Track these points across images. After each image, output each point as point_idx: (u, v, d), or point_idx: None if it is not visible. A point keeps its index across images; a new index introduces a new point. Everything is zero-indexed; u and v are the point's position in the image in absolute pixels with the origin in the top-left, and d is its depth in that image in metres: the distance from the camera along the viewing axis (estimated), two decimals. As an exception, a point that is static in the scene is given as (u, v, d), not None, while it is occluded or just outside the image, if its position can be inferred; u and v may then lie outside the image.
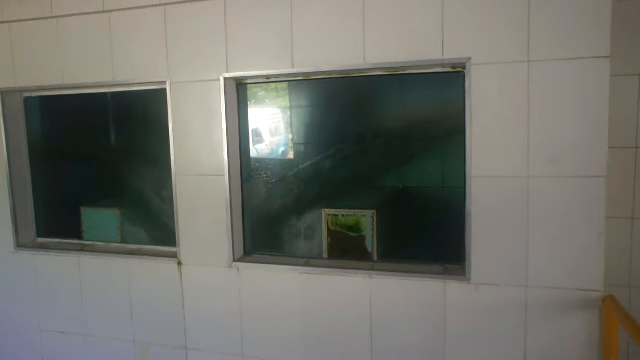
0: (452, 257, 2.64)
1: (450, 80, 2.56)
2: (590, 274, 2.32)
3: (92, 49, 3.02)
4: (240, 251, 2.97)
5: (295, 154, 2.96)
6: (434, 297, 2.56)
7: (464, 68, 2.44)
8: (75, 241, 3.41)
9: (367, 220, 2.79)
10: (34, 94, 3.35)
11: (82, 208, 3.39)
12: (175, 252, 3.02)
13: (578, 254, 2.32)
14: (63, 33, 3.07)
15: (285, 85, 2.90)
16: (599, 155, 2.24)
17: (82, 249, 3.31)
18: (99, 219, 3.37)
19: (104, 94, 3.19)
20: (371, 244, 2.80)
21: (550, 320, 2.40)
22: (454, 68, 2.50)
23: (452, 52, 2.39)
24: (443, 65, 2.48)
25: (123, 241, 3.32)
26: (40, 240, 3.51)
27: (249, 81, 2.90)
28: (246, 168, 2.99)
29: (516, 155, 2.35)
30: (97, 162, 3.36)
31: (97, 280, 3.22)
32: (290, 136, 2.95)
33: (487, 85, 2.35)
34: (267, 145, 3.02)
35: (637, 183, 2.40)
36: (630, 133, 2.38)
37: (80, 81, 3.07)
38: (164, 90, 2.92)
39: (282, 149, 2.98)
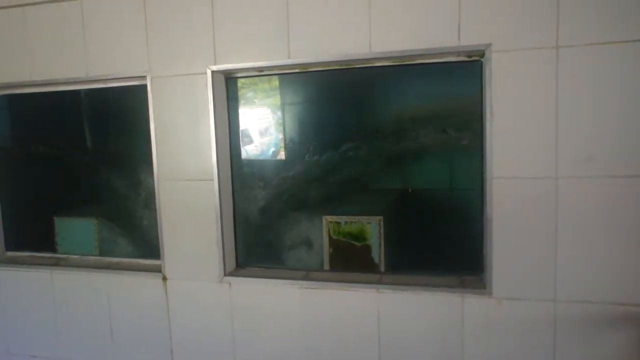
0: (469, 267, 2.38)
1: (465, 71, 2.30)
2: (630, 286, 2.06)
3: (62, 41, 2.72)
4: (231, 264, 2.68)
5: (292, 155, 2.67)
6: (450, 314, 2.29)
7: (482, 56, 2.18)
8: (48, 254, 3.11)
9: (373, 227, 2.52)
10: (-1, 92, 3.04)
11: (55, 218, 3.08)
12: (160, 266, 2.73)
13: (615, 264, 2.07)
14: (30, 23, 2.77)
15: (280, 78, 2.61)
16: (638, 151, 1.98)
17: (56, 263, 3.00)
18: (75, 229, 3.06)
19: (77, 91, 2.89)
20: (378, 253, 2.52)
21: (582, 339, 2.15)
22: (469, 57, 2.24)
23: (470, 38, 2.12)
24: (458, 54, 2.21)
25: (101, 254, 3.02)
26: (10, 254, 3.20)
27: (239, 74, 2.61)
28: (237, 171, 2.70)
29: (543, 153, 2.09)
30: (72, 167, 3.05)
31: (72, 297, 2.91)
32: (285, 136, 2.66)
33: (509, 75, 2.09)
34: (260, 146, 2.73)
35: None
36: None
37: (50, 77, 2.77)
38: (144, 86, 2.63)
39: (277, 149, 2.70)
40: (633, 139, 1.99)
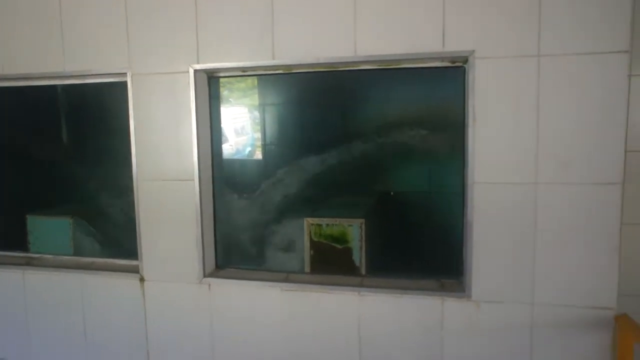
0: (449, 271, 2.41)
1: (448, 76, 2.32)
2: (602, 291, 2.12)
3: (39, 34, 2.64)
4: (211, 265, 2.65)
5: (274, 156, 2.66)
6: (430, 316, 2.31)
7: (465, 62, 2.21)
8: (20, 254, 3.01)
9: (354, 230, 2.52)
10: (-30, 86, 2.92)
11: (28, 216, 2.98)
12: (137, 266, 2.67)
13: (590, 269, 2.12)
14: (3, 14, 2.67)
15: (263, 79, 2.59)
16: (614, 159, 2.04)
17: (28, 263, 2.91)
18: (48, 228, 2.98)
19: (54, 86, 2.80)
20: (359, 256, 2.53)
21: (557, 341, 2.19)
22: (453, 62, 2.26)
23: (454, 44, 2.14)
24: (442, 59, 2.23)
25: (76, 254, 2.94)
26: (-21, 253, 3.08)
27: (222, 74, 2.58)
28: (218, 172, 2.66)
29: (524, 159, 2.12)
30: (47, 164, 2.96)
31: (45, 298, 2.83)
32: (267, 136, 2.64)
33: (492, 81, 2.12)
34: (241, 147, 2.70)
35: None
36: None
37: (25, 71, 2.68)
38: (124, 83, 2.57)
39: (259, 150, 2.67)
40: (609, 147, 2.04)
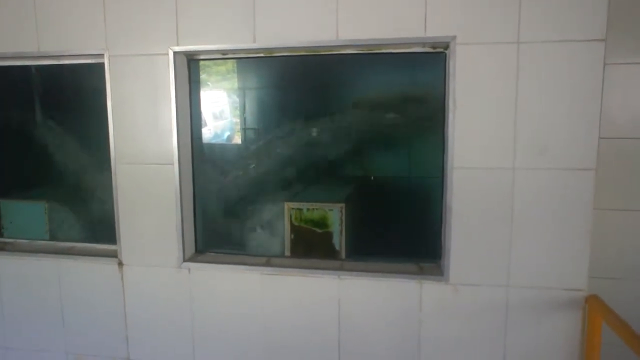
0: (428, 254, 2.45)
1: (429, 61, 2.34)
2: (574, 273, 2.19)
3: (11, 12, 2.55)
4: (191, 249, 2.64)
5: (253, 140, 2.65)
6: (409, 299, 2.35)
7: (446, 48, 2.23)
8: (-6, 239, 2.93)
9: (334, 214, 2.54)
10: (-61, 65, 2.81)
11: (1, 200, 2.91)
12: (115, 251, 2.65)
13: (562, 252, 2.19)
14: (-25, -8, 2.57)
15: (244, 62, 2.56)
16: (589, 146, 2.09)
17: (2, 248, 2.85)
18: (23, 212, 2.91)
19: (28, 67, 2.72)
20: (339, 240, 2.55)
21: (531, 321, 2.26)
22: (434, 48, 2.28)
23: (436, 30, 2.15)
24: (424, 45, 2.25)
25: (52, 238, 2.88)
26: (-50, 238, 2.99)
27: (202, 57, 2.54)
28: (198, 155, 2.64)
29: (502, 144, 2.16)
30: (21, 147, 2.88)
31: (20, 284, 2.78)
32: (244, 119, 2.63)
33: (472, 68, 2.14)
34: (220, 130, 2.68)
35: (631, 175, 2.29)
36: (623, 122, 2.25)
37: (-3, 51, 2.60)
38: (102, 64, 2.51)
39: (238, 134, 2.66)
40: (584, 134, 2.09)
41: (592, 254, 2.18)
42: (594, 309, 2.14)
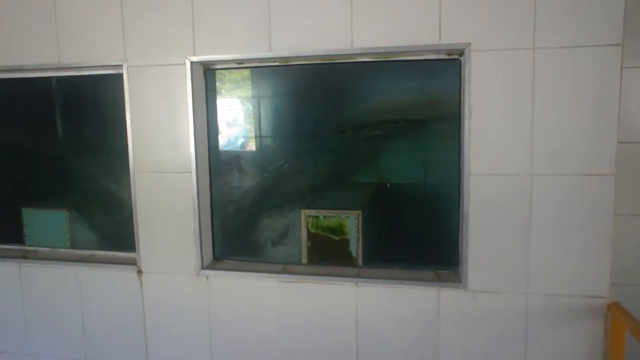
0: (445, 261, 2.44)
1: (445, 68, 2.33)
2: (595, 280, 2.16)
3: (32, 25, 2.61)
4: (209, 257, 2.66)
5: (270, 149, 2.66)
6: (426, 307, 2.34)
7: (461, 55, 2.23)
8: (16, 247, 3.00)
9: (351, 221, 2.54)
10: (-37, 78, 2.89)
11: (23, 209, 2.97)
12: (135, 259, 2.68)
13: (583, 258, 2.16)
14: (-2, 6, 2.64)
15: (260, 71, 2.59)
16: (607, 151, 2.07)
17: (24, 256, 2.90)
18: (44, 221, 2.97)
19: (49, 78, 2.78)
20: (356, 247, 2.55)
21: (551, 329, 2.23)
22: (449, 55, 2.28)
23: (450, 37, 2.15)
24: (438, 52, 2.25)
25: (73, 246, 2.93)
26: (-26, 246, 3.06)
27: (218, 66, 2.57)
28: (215, 164, 2.67)
29: (519, 151, 2.15)
30: (42, 157, 2.94)
31: (42, 291, 2.83)
32: (258, 128, 2.65)
33: (487, 74, 2.14)
34: (238, 139, 2.70)
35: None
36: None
37: (18, 63, 2.66)
38: (120, 75, 2.56)
39: (256, 142, 2.68)
40: (601, 139, 2.07)
41: (612, 260, 2.15)
42: (617, 316, 2.11)
